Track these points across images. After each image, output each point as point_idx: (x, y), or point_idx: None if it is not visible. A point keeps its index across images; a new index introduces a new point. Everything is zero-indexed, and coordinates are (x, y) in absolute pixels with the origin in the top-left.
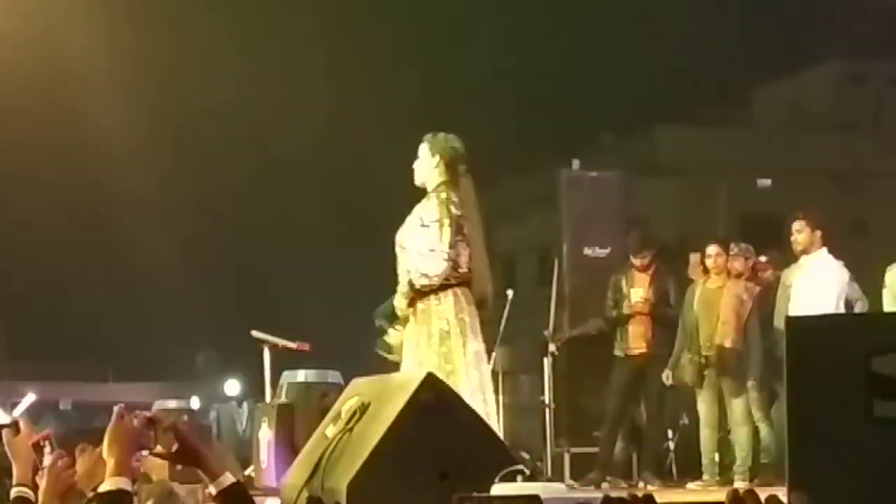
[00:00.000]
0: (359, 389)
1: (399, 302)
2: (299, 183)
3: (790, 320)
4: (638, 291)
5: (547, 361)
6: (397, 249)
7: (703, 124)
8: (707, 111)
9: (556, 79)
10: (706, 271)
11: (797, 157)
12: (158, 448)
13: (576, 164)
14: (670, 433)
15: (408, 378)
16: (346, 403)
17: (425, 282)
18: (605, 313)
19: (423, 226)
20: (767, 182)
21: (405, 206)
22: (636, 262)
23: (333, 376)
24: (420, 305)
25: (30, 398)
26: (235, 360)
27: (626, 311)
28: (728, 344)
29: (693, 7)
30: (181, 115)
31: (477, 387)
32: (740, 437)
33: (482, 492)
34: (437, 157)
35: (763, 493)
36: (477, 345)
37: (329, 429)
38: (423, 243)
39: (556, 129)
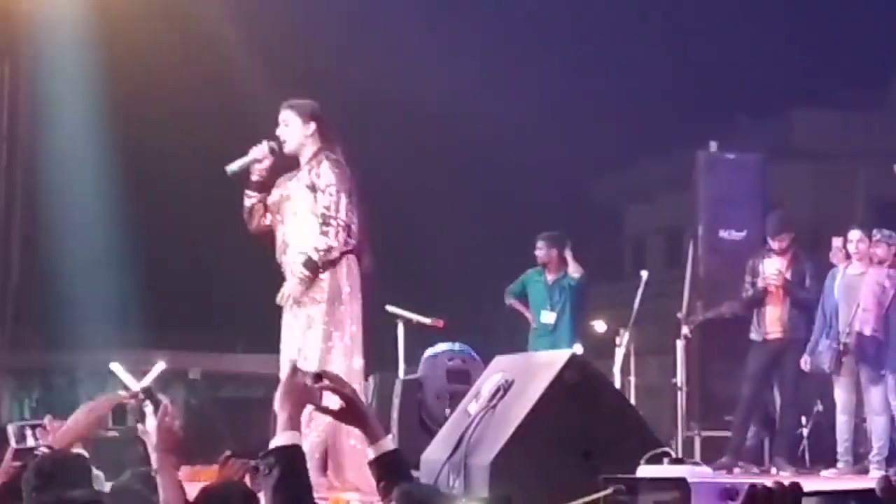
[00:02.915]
0: (501, 367)
1: (294, 289)
2: (433, 156)
3: None
4: (773, 263)
5: (680, 344)
6: (288, 217)
7: (840, 108)
8: (845, 95)
9: (691, 60)
10: (848, 256)
11: None
12: (324, 404)
13: (713, 145)
14: (804, 420)
15: (552, 357)
16: (489, 381)
17: (326, 257)
18: (740, 296)
19: (316, 190)
20: None
21: (531, 182)
22: (774, 244)
23: (461, 346)
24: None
25: (160, 366)
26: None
27: (760, 284)
28: (868, 331)
29: None
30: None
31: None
32: (877, 426)
33: (627, 473)
34: (312, 123)
35: None
36: (359, 310)
37: (471, 405)
38: (316, 208)
39: (690, 111)
